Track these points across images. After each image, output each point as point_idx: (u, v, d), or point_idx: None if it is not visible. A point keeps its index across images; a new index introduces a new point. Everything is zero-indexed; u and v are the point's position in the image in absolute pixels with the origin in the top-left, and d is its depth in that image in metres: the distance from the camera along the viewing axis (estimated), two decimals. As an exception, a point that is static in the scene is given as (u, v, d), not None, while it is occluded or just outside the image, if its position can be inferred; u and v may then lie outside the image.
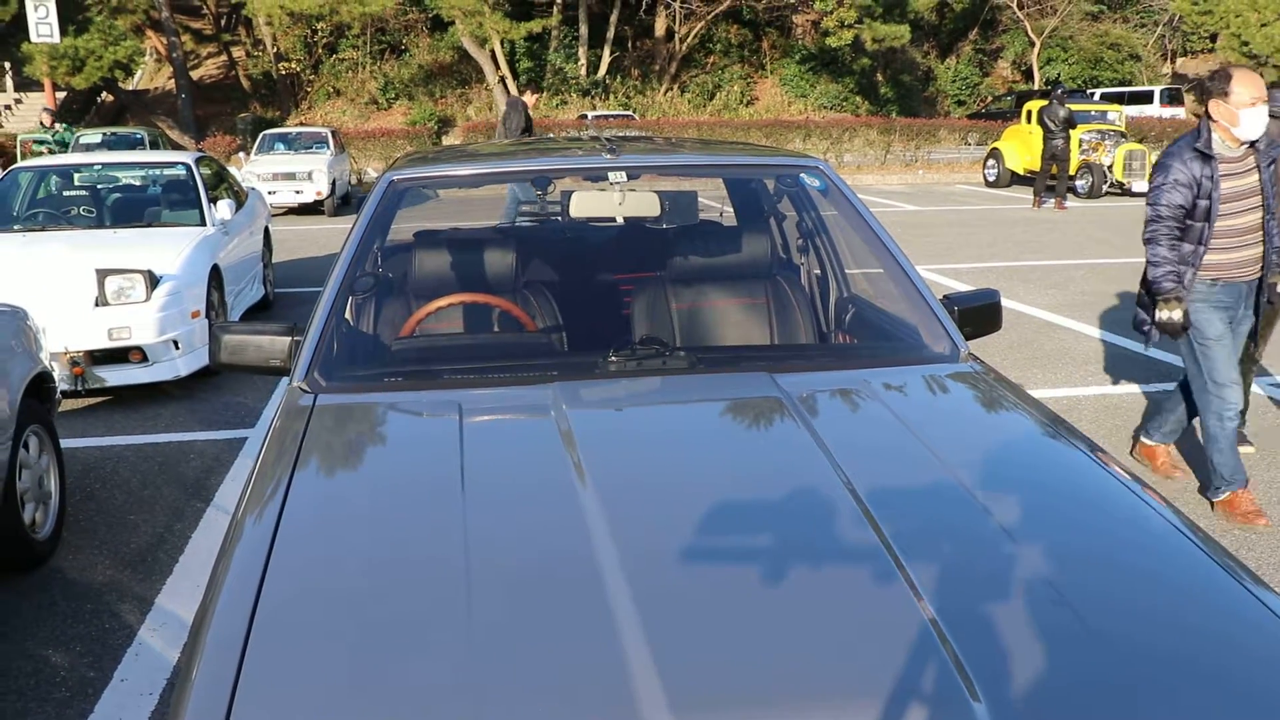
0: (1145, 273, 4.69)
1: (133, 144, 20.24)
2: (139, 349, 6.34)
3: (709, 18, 35.96)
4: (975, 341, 3.02)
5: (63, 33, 26.11)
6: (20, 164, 8.82)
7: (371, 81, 35.73)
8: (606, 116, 27.74)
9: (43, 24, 25.22)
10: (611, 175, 3.25)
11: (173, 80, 34.27)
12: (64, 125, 19.90)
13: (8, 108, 32.61)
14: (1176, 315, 4.57)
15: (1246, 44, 33.67)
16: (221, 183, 9.08)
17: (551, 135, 4.36)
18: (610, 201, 3.36)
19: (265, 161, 17.49)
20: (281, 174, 16.96)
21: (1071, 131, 17.94)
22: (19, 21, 26.43)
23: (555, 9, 33.75)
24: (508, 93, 32.99)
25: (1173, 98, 34.04)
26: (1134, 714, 1.48)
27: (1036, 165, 18.55)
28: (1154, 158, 19.64)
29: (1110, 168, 19.64)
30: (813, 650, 1.56)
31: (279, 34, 34.41)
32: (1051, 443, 2.36)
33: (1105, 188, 19.52)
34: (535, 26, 31.01)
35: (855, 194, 3.33)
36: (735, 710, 1.44)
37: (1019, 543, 1.85)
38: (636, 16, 36.61)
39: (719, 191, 4.54)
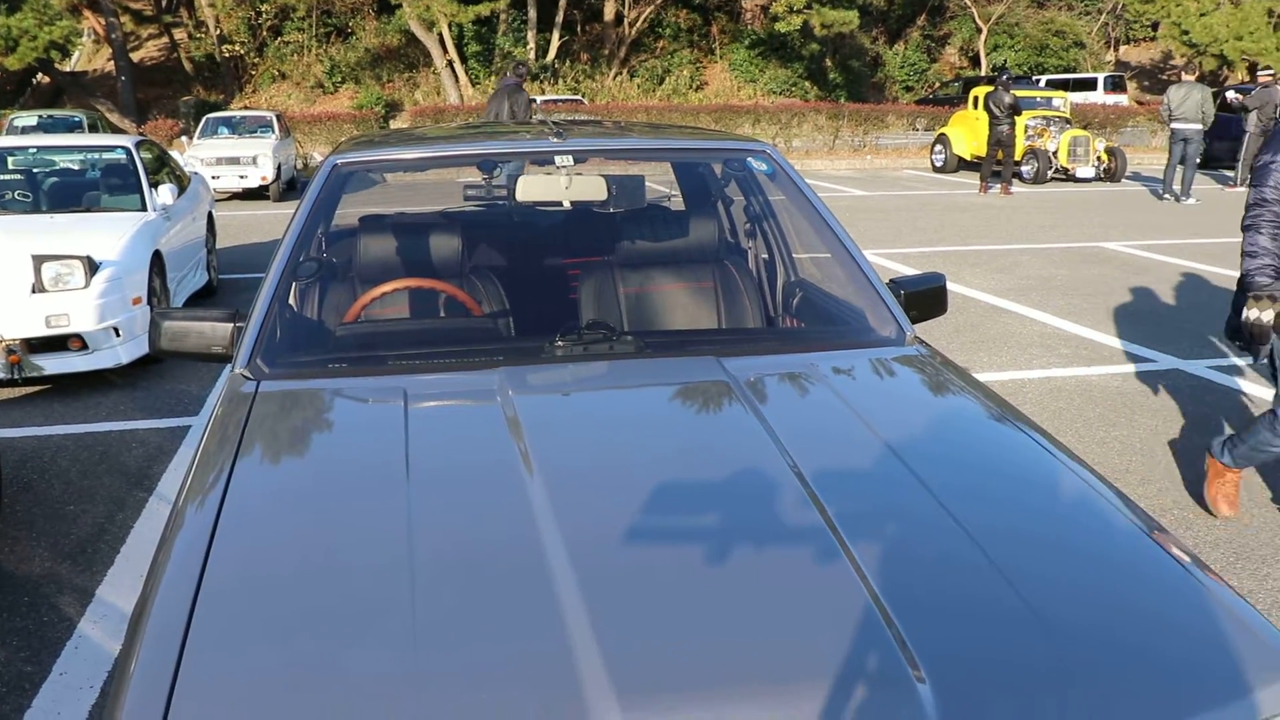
0: (1241, 265, 4.09)
1: (70, 127, 19.90)
2: (78, 336, 6.23)
3: (658, 2, 35.89)
4: (922, 325, 3.04)
5: (-5, 11, 25.60)
6: (-47, 148, 8.62)
7: (317, 65, 35.32)
8: (555, 101, 27.62)
9: (-28, 2, 24.68)
10: (558, 159, 3.23)
11: (112, 62, 33.67)
12: None
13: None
14: (1267, 316, 3.88)
15: (1186, 33, 34.19)
16: (163, 167, 8.94)
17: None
18: (557, 185, 3.34)
19: (209, 146, 17.24)
20: (225, 158, 16.72)
21: (1017, 118, 18.10)
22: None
23: (504, -8, 33.57)
24: (455, 77, 32.79)
25: (1116, 85, 34.44)
26: (1074, 694, 1.50)
27: (983, 151, 18.71)
28: (1097, 144, 19.94)
29: (1055, 153, 19.86)
30: (758, 634, 1.56)
31: (222, 15, 33.90)
32: (996, 425, 2.38)
33: (1050, 173, 19.74)
34: (484, 10, 30.74)
35: (802, 178, 3.33)
36: (681, 695, 1.44)
37: (963, 524, 1.86)
38: (586, 1, 36.47)
39: (667, 176, 4.53)
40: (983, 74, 35.19)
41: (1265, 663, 1.60)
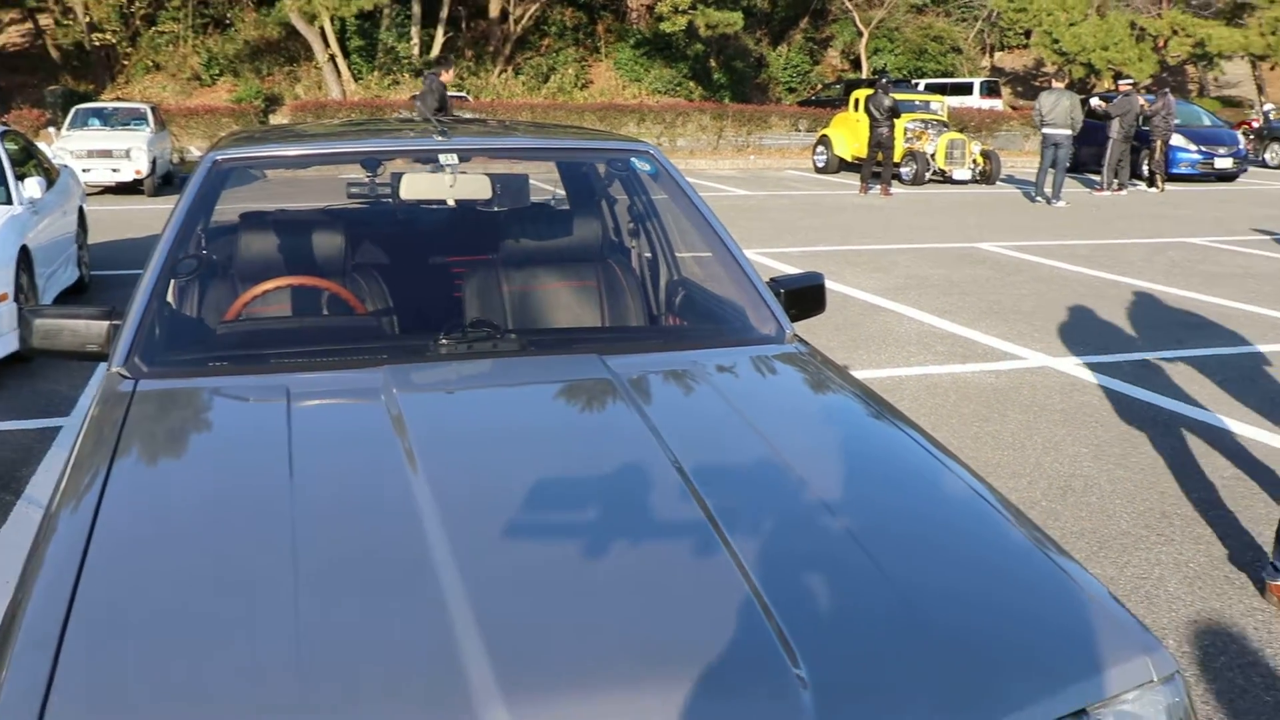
0: None
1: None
2: (-59, 334, 6.01)
3: (544, 0, 35.82)
4: (803, 323, 3.11)
5: None
6: None
7: (194, 56, 34.49)
8: (439, 97, 27.34)
9: None
10: (443, 157, 3.23)
11: (-30, 48, 32.44)
12: None
13: None
14: None
15: (1057, 41, 35.34)
16: (30, 159, 8.63)
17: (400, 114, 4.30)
18: (441, 184, 3.34)
19: (79, 138, 16.64)
20: (97, 151, 16.17)
21: (896, 120, 18.47)
22: None
23: (387, -14, 33.15)
24: (337, 71, 32.27)
25: (991, 90, 35.41)
26: (943, 684, 1.56)
27: (864, 153, 19.07)
28: (973, 147, 20.46)
29: (933, 156, 20.33)
30: (641, 627, 1.59)
31: (91, 2, 32.84)
32: (873, 422, 2.45)
33: (928, 175, 20.20)
34: (367, 4, 30.29)
35: (685, 179, 3.38)
36: (565, 689, 1.46)
37: (840, 518, 1.92)
38: (471, -4, 36.25)
39: (552, 175, 4.55)
40: (864, 77, 35.86)
41: (1117, 642, 1.69)
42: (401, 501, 1.89)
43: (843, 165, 22.28)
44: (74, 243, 8.89)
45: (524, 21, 36.46)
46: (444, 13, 34.56)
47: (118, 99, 29.08)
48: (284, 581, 1.65)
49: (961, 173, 20.30)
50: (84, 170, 15.30)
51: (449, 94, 14.28)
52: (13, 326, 6.40)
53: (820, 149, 22.97)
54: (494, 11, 36.26)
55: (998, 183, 20.68)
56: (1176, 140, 21.52)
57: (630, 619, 1.61)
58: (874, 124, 18.16)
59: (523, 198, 4.05)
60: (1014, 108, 35.56)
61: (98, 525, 1.81)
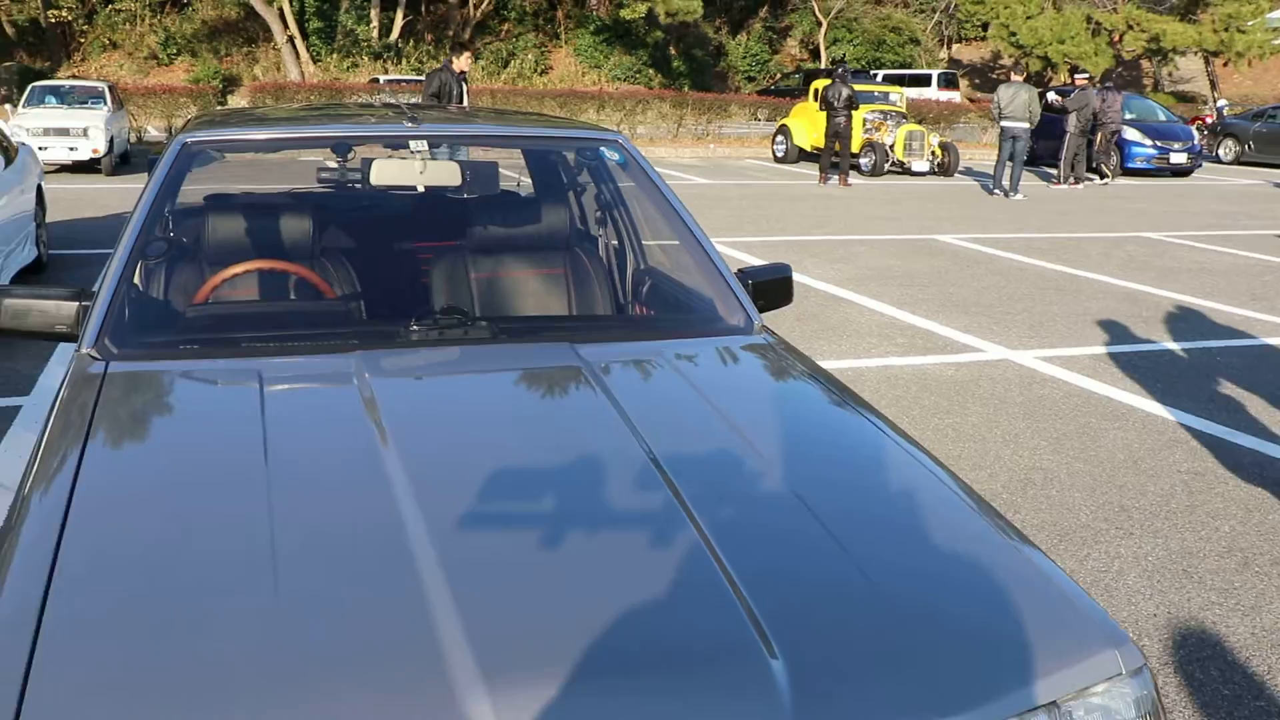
0: None
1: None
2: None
3: (504, -16, 35.67)
4: (767, 314, 3.13)
5: None
6: None
7: (151, 35, 34.04)
8: (400, 81, 27.18)
9: None
10: (413, 144, 3.22)
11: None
12: None
13: None
14: None
15: (1014, 34, 35.63)
16: (-14, 138, 8.52)
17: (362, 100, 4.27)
18: (411, 170, 3.33)
19: (35, 115, 16.48)
20: (54, 129, 16.00)
21: (854, 111, 18.53)
22: None
23: (347, -32, 32.89)
24: (296, 53, 31.96)
25: (949, 81, 35.63)
26: (910, 669, 1.58)
27: (823, 143, 19.15)
28: (932, 139, 20.60)
29: (892, 147, 20.45)
30: (617, 611, 1.61)
31: (46, -21, 32.35)
32: (841, 412, 2.49)
33: (887, 166, 20.33)
34: (325, -15, 30.12)
35: (654, 169, 3.39)
36: (544, 673, 1.47)
37: (809, 505, 1.95)
38: (431, -20, 36.01)
39: (517, 161, 4.54)
40: (823, 67, 35.99)
41: (1086, 635, 1.72)
42: (376, 485, 1.90)
43: (802, 155, 22.37)
44: (32, 221, 8.76)
45: (484, 6, 36.27)
46: (404, -5, 34.34)
47: (74, 77, 28.65)
48: (263, 564, 1.65)
49: (920, 164, 20.45)
50: (41, 148, 15.10)
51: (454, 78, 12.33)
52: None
53: (780, 138, 23.04)
54: (455, -5, 36.08)
55: (956, 175, 20.85)
56: (1132, 135, 21.78)
57: (606, 603, 1.63)
58: (831, 114, 18.22)
59: (492, 185, 4.05)
60: (972, 100, 35.84)
61: (73, 506, 1.80)
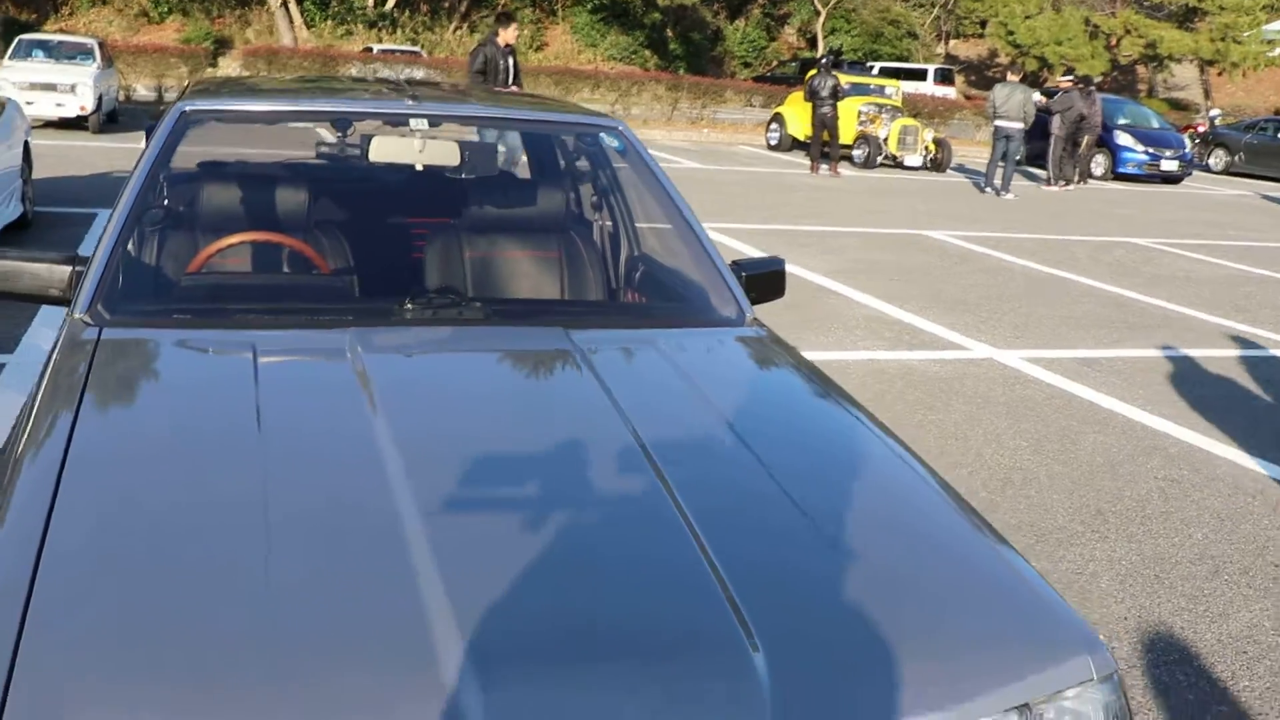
0: None
1: None
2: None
3: (503, -43, 35.45)
4: (757, 305, 3.16)
5: None
6: None
7: (142, -9, 33.69)
8: (394, 51, 27.03)
9: None
10: (414, 122, 3.23)
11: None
12: None
13: None
14: None
15: (1012, 33, 35.62)
16: (-26, 90, 8.45)
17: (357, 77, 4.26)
18: (411, 148, 3.34)
19: (22, 69, 16.21)
20: (40, 84, 15.74)
21: (839, 102, 18.48)
22: None
23: (345, -66, 32.63)
24: (290, 18, 31.71)
25: (945, 77, 35.63)
26: (892, 665, 1.60)
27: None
28: (926, 134, 20.61)
29: (885, 140, 20.46)
30: (602, 596, 1.64)
31: (38, -70, 31.98)
32: (829, 407, 2.52)
33: (880, 159, 20.34)
34: (322, -50, 29.85)
35: (652, 157, 3.40)
36: (531, 659, 1.49)
37: (794, 498, 1.97)
38: (429, -50, 35.78)
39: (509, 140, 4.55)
40: (819, 56, 35.95)
41: (1060, 639, 1.74)
42: (369, 462, 1.91)
43: (795, 144, 22.34)
44: (18, 177, 8.71)
45: (482, -22, 36.06)
46: (401, -36, 34.10)
47: (61, 31, 28.38)
48: (255, 538, 1.66)
49: (913, 159, 20.47)
50: (27, 103, 14.93)
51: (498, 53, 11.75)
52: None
53: (774, 126, 23.04)
54: (452, -34, 35.85)
55: (948, 171, 20.88)
56: (1124, 140, 21.82)
57: (590, 586, 1.66)
58: (817, 104, 18.22)
59: (490, 165, 4.06)
60: (967, 97, 35.87)
61: (66, 470, 1.80)
